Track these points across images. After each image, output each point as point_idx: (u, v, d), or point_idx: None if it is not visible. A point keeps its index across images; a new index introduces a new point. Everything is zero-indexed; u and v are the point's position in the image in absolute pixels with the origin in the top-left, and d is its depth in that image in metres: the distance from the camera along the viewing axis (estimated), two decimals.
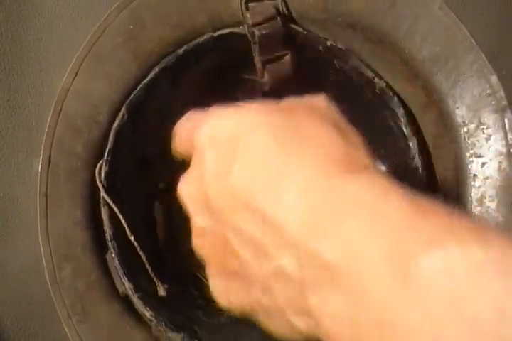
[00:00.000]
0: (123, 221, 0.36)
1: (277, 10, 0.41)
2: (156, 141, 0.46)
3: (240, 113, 0.25)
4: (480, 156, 0.40)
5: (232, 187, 0.23)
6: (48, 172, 0.40)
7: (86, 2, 0.42)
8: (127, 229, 0.36)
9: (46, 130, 0.40)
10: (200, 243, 0.27)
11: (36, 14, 0.40)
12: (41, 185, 0.40)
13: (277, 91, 0.42)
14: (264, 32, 0.39)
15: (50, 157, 0.40)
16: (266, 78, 0.42)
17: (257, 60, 0.41)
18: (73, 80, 0.41)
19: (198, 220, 0.26)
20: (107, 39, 0.41)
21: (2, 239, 0.41)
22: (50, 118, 0.41)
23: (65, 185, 0.40)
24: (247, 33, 0.40)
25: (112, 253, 0.36)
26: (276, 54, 0.41)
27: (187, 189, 0.27)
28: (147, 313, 0.35)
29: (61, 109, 0.41)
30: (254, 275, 0.24)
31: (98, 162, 0.41)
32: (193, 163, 0.27)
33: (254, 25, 0.39)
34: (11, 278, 0.41)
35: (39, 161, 0.40)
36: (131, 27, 0.42)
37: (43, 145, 0.40)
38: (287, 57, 0.42)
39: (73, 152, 0.41)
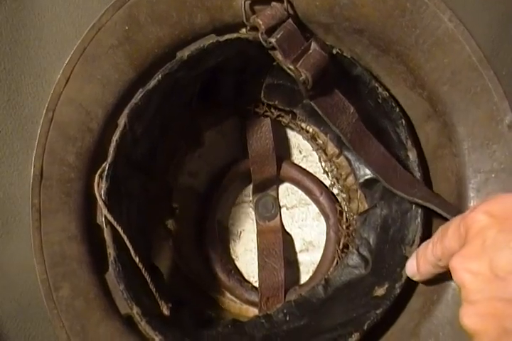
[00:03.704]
0: (127, 241, 0.34)
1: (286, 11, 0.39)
2: (149, 143, 0.44)
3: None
4: (483, 172, 0.40)
5: None
6: (40, 184, 0.38)
7: (87, 2, 0.40)
8: (132, 251, 0.34)
9: (37, 139, 0.38)
10: (474, 312, 0.29)
11: (36, 14, 0.40)
12: (33, 197, 0.38)
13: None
14: (279, 36, 0.37)
15: (41, 168, 0.38)
16: (304, 75, 0.37)
17: (285, 63, 0.38)
18: (65, 85, 0.38)
19: (475, 293, 0.29)
20: (101, 40, 0.38)
21: (2, 239, 0.41)
22: (40, 126, 0.38)
23: (58, 198, 0.38)
24: (261, 40, 0.37)
25: (116, 277, 0.34)
26: (301, 48, 0.38)
27: (466, 263, 0.30)
28: (157, 338, 0.34)
29: (52, 117, 0.38)
30: None
31: (92, 171, 0.38)
32: (470, 240, 0.31)
33: (268, 30, 0.37)
34: (11, 279, 0.41)
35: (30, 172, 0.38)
36: (127, 27, 0.39)
37: (34, 156, 0.38)
38: (313, 45, 0.38)
39: (66, 162, 0.38)
